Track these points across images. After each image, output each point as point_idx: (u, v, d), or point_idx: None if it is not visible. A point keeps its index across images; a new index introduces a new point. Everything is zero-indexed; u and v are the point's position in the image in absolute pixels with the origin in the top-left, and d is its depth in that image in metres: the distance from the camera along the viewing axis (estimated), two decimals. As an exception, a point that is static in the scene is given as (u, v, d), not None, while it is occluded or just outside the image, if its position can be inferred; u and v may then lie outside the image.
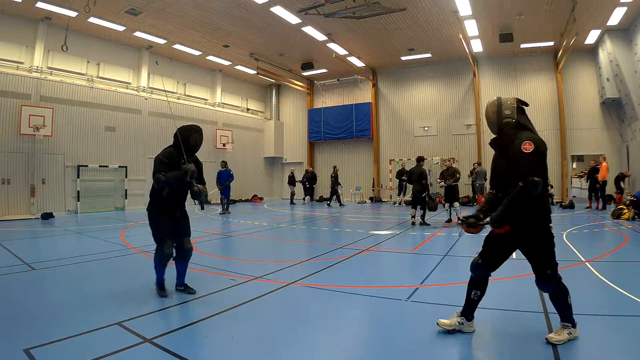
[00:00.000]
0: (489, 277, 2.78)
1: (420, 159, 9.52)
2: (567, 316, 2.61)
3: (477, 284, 2.78)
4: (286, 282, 4.21)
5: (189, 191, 3.72)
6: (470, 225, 2.73)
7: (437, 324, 2.80)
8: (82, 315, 3.18)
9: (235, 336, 2.79)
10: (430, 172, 16.40)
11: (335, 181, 16.06)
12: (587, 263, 4.85)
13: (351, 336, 2.93)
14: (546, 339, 2.55)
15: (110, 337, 2.70)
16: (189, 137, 3.69)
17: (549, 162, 12.19)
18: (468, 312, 2.78)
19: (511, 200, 2.47)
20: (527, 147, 2.44)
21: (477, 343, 2.72)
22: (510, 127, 2.62)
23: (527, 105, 2.76)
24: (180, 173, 3.56)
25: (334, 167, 16.61)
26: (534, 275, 2.62)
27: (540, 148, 2.49)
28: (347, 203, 17.31)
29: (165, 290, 3.80)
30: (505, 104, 2.67)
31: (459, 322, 2.76)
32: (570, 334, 2.57)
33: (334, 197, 16.05)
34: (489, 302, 3.45)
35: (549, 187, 14.34)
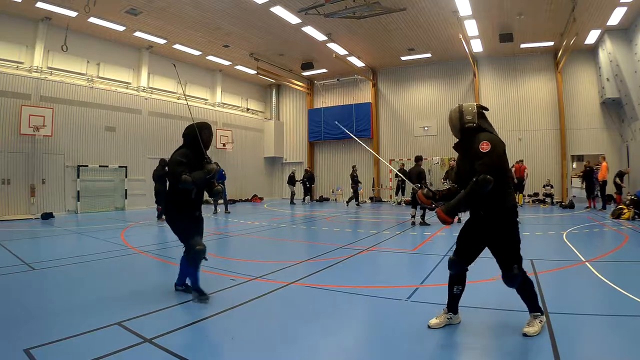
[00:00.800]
0: (466, 272, 2.92)
1: (418, 159, 9.55)
2: (534, 306, 2.77)
3: (457, 279, 2.91)
4: (286, 282, 4.21)
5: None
6: (426, 195, 2.91)
7: (429, 326, 2.87)
8: (82, 315, 3.18)
9: (235, 336, 2.79)
10: (430, 172, 16.43)
11: (355, 180, 15.96)
12: (587, 263, 4.85)
13: (351, 336, 2.93)
14: (523, 333, 2.67)
15: (110, 337, 2.70)
16: (202, 135, 3.60)
17: (549, 162, 12.25)
18: (453, 306, 2.93)
19: (465, 194, 2.62)
20: (485, 147, 2.59)
21: (476, 343, 2.72)
22: (471, 130, 2.77)
23: (487, 110, 2.90)
24: (204, 173, 3.50)
25: (353, 167, 16.31)
26: (500, 271, 2.75)
27: (497, 148, 2.62)
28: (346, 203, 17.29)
29: (206, 293, 3.61)
30: (467, 110, 2.82)
31: (447, 318, 2.91)
32: (542, 321, 2.74)
33: (358, 195, 15.99)
34: (489, 302, 3.46)
35: (550, 187, 14.45)
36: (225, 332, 2.88)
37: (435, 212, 2.76)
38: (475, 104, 2.86)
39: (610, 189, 12.70)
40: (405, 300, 3.54)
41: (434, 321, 2.89)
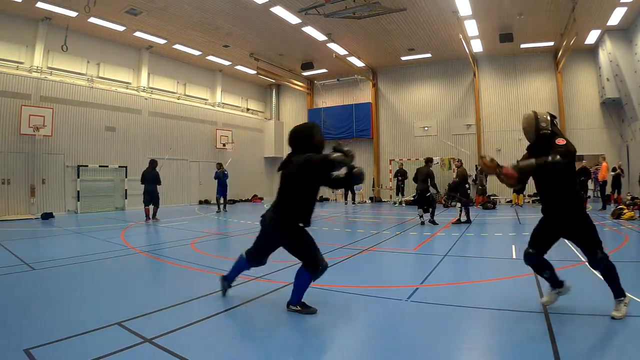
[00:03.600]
0: (544, 258, 3.16)
1: (428, 160, 9.68)
2: (618, 291, 2.96)
3: (540, 268, 3.19)
4: (286, 282, 4.20)
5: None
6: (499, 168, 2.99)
7: (542, 303, 3.17)
8: (82, 315, 3.17)
9: (235, 336, 2.79)
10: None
11: None
12: (587, 263, 4.84)
13: (351, 336, 2.92)
14: (611, 316, 2.87)
15: (110, 337, 2.70)
16: (315, 136, 3.26)
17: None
18: (556, 283, 3.21)
19: (536, 164, 2.84)
20: (561, 141, 2.88)
21: (476, 343, 2.72)
22: (546, 137, 3.03)
23: (556, 117, 3.20)
24: (348, 165, 3.13)
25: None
26: (586, 258, 3.01)
27: (571, 146, 2.88)
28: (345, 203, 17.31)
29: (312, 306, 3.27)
30: (542, 117, 3.09)
31: (556, 293, 3.19)
32: (626, 304, 2.94)
33: (354, 194, 16.47)
34: (489, 302, 3.46)
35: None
36: (226, 332, 2.88)
37: (503, 171, 2.90)
38: (547, 112, 3.15)
39: (609, 189, 12.68)
40: (405, 300, 3.54)
41: (545, 299, 3.20)
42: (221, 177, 12.82)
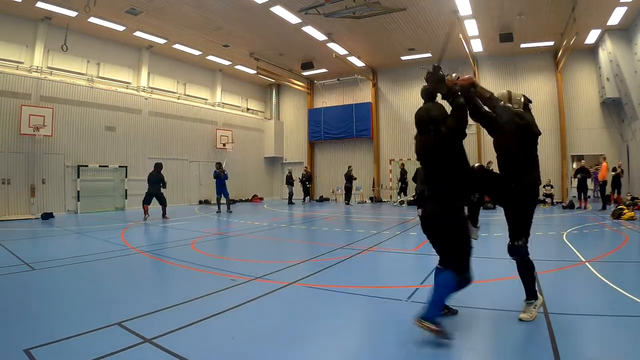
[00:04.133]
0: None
1: None
2: (531, 292, 2.95)
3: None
4: (286, 282, 4.21)
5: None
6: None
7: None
8: (82, 315, 3.18)
9: (235, 336, 2.79)
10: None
11: (350, 179, 16.50)
12: (587, 263, 4.84)
13: (351, 336, 2.93)
14: (518, 319, 2.87)
15: (110, 337, 2.70)
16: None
17: (549, 162, 12.23)
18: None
19: (490, 95, 3.05)
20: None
21: (476, 343, 2.72)
22: None
23: (531, 102, 3.18)
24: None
25: (349, 167, 17.06)
26: (508, 240, 2.98)
27: (528, 117, 2.99)
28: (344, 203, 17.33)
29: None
30: (515, 98, 3.11)
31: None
32: (536, 306, 2.94)
33: (350, 195, 16.65)
34: (488, 302, 3.46)
35: (550, 187, 14.41)
36: (225, 332, 2.88)
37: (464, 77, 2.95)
38: (522, 94, 3.12)
39: (609, 189, 12.68)
40: (405, 301, 3.54)
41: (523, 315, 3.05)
42: (221, 177, 12.81)
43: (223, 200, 13.09)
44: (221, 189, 12.86)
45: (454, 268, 2.71)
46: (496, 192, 3.09)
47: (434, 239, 2.90)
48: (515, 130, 2.92)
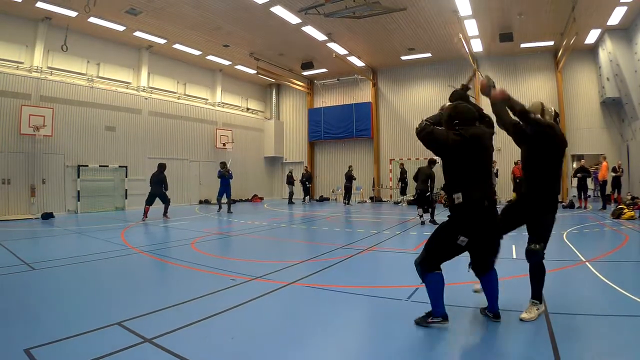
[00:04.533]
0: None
1: (432, 162, 9.51)
2: (537, 293, 3.02)
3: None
4: (286, 282, 4.21)
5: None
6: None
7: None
8: (82, 315, 3.18)
9: (235, 336, 2.79)
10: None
11: (350, 179, 16.57)
12: (587, 263, 4.85)
13: (351, 336, 2.93)
14: (520, 318, 2.92)
15: (110, 337, 2.71)
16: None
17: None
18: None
19: (523, 107, 3.11)
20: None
21: (477, 343, 2.72)
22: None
23: (558, 116, 3.43)
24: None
25: (350, 167, 17.15)
26: (527, 243, 3.04)
27: (558, 132, 3.13)
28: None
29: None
30: (547, 110, 3.28)
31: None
32: (539, 309, 2.99)
33: (350, 195, 16.73)
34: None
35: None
36: (225, 332, 2.88)
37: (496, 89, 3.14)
38: (553, 108, 3.35)
39: (609, 189, 12.68)
40: (406, 300, 3.54)
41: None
42: (225, 176, 12.73)
43: (224, 200, 13.02)
44: (225, 188, 12.75)
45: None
46: (521, 202, 3.26)
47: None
48: (546, 142, 3.03)
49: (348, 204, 16.39)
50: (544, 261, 2.99)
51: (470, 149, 2.72)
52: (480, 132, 2.84)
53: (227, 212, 12.59)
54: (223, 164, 13.02)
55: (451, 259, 2.86)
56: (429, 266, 2.80)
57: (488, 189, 2.82)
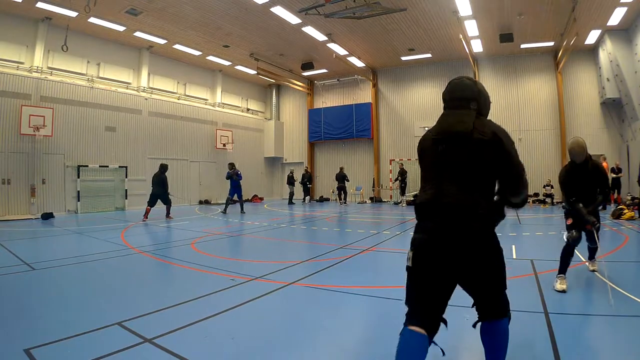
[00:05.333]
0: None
1: None
2: (593, 254, 4.42)
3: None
4: (286, 282, 4.21)
5: None
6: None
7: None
8: (82, 315, 3.18)
9: (235, 336, 2.79)
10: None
11: (343, 180, 16.75)
12: (587, 263, 4.84)
13: (351, 336, 2.92)
14: (591, 270, 4.27)
15: (110, 337, 2.70)
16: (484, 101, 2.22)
17: (549, 162, 12.21)
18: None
19: (599, 203, 3.99)
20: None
21: (477, 343, 2.72)
22: (589, 160, 3.92)
23: None
24: None
25: (341, 168, 17.27)
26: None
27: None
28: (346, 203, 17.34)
29: None
30: (584, 144, 3.91)
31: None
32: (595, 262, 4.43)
33: (345, 195, 16.96)
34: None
35: (550, 187, 14.45)
36: (225, 332, 2.88)
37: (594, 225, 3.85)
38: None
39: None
40: (405, 301, 3.53)
41: (591, 266, 4.48)
42: (233, 178, 12.68)
43: (235, 198, 12.85)
44: (235, 190, 12.68)
45: (506, 314, 2.05)
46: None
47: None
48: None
49: (344, 203, 16.43)
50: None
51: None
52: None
53: (240, 212, 12.54)
54: (231, 165, 12.95)
55: None
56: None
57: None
